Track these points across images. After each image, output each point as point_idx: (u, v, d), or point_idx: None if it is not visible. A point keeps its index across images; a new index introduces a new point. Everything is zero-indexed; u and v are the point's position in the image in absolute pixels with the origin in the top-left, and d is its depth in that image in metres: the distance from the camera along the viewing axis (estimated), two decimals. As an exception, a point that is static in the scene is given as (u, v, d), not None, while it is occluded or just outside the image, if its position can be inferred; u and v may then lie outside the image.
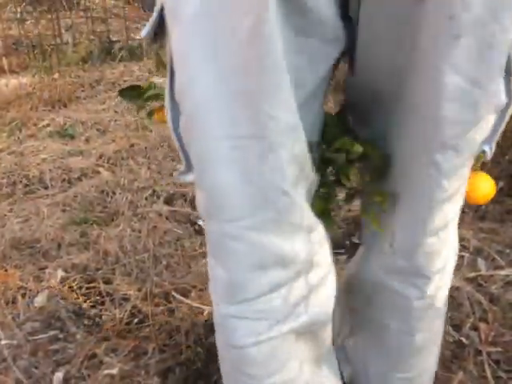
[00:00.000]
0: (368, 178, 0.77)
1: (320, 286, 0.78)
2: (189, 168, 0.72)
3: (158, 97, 1.14)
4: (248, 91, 0.62)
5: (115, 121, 2.60)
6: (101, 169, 2.17)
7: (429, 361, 0.97)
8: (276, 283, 0.74)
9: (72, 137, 2.43)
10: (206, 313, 1.37)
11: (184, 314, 1.37)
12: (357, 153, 0.71)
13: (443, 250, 0.83)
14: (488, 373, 1.23)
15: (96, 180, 2.08)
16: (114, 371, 1.16)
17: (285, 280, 0.74)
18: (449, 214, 0.79)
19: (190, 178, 0.72)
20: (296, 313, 0.77)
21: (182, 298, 1.41)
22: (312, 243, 0.75)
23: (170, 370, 1.24)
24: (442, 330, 0.96)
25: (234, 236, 0.70)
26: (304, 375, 0.83)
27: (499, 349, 1.29)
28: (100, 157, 2.24)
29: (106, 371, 1.17)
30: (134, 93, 1.17)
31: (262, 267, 0.72)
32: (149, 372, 1.20)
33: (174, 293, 1.43)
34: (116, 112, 2.71)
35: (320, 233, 0.77)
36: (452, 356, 1.29)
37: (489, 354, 1.28)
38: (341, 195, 0.81)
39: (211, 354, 1.30)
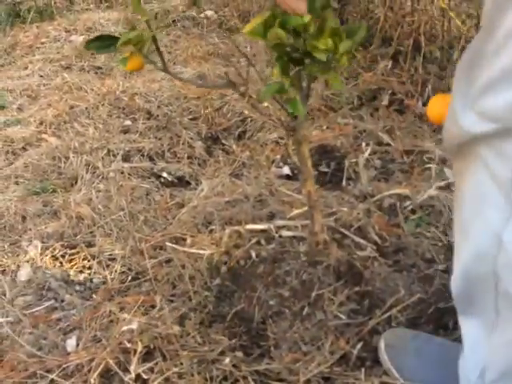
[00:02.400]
0: None
1: None
2: None
3: (137, 39, 1.08)
4: None
5: (44, 85, 2.44)
6: (45, 135, 2.05)
7: None
8: None
9: (2, 107, 2.26)
10: (205, 257, 1.35)
11: (183, 261, 1.35)
12: None
13: None
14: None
15: (43, 147, 1.97)
16: (134, 326, 1.13)
17: None
18: None
19: None
20: None
21: (177, 246, 1.39)
22: None
23: (184, 317, 1.22)
24: None
25: None
26: None
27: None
28: (40, 123, 2.11)
29: (125, 327, 1.14)
30: (103, 43, 1.10)
31: None
32: (165, 322, 1.18)
33: (168, 243, 1.40)
34: (41, 76, 2.54)
35: None
36: (445, 258, 1.36)
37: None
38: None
39: (220, 295, 1.30)
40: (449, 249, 1.39)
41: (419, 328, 1.20)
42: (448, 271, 1.33)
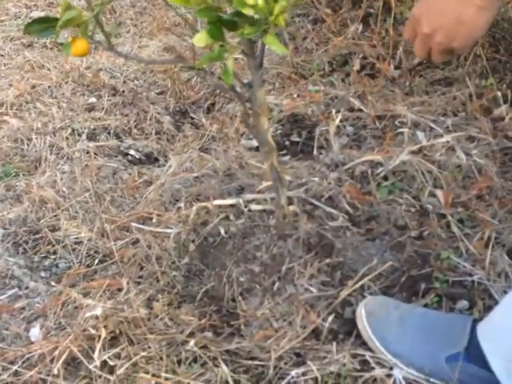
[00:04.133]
0: None
1: None
2: None
3: (77, 21, 1.01)
4: None
5: (4, 65, 2.34)
6: (6, 117, 1.97)
7: None
8: None
9: (-39, 89, 2.17)
10: (172, 236, 1.31)
11: (149, 241, 1.31)
12: None
13: None
14: (456, 232, 1.29)
15: (5, 130, 1.89)
16: (98, 312, 1.09)
17: None
18: None
19: None
20: None
21: (142, 226, 1.34)
22: None
23: (152, 299, 1.19)
24: None
25: None
26: None
27: (460, 209, 1.35)
28: (1, 104, 2.02)
29: (89, 313, 1.10)
30: (43, 26, 1.03)
31: None
32: (132, 306, 1.15)
33: (133, 223, 1.36)
34: (2, 56, 2.45)
35: None
36: (418, 224, 1.33)
37: (452, 215, 1.33)
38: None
39: (188, 274, 1.27)
40: (422, 214, 1.36)
41: (393, 297, 1.17)
42: (421, 237, 1.31)
